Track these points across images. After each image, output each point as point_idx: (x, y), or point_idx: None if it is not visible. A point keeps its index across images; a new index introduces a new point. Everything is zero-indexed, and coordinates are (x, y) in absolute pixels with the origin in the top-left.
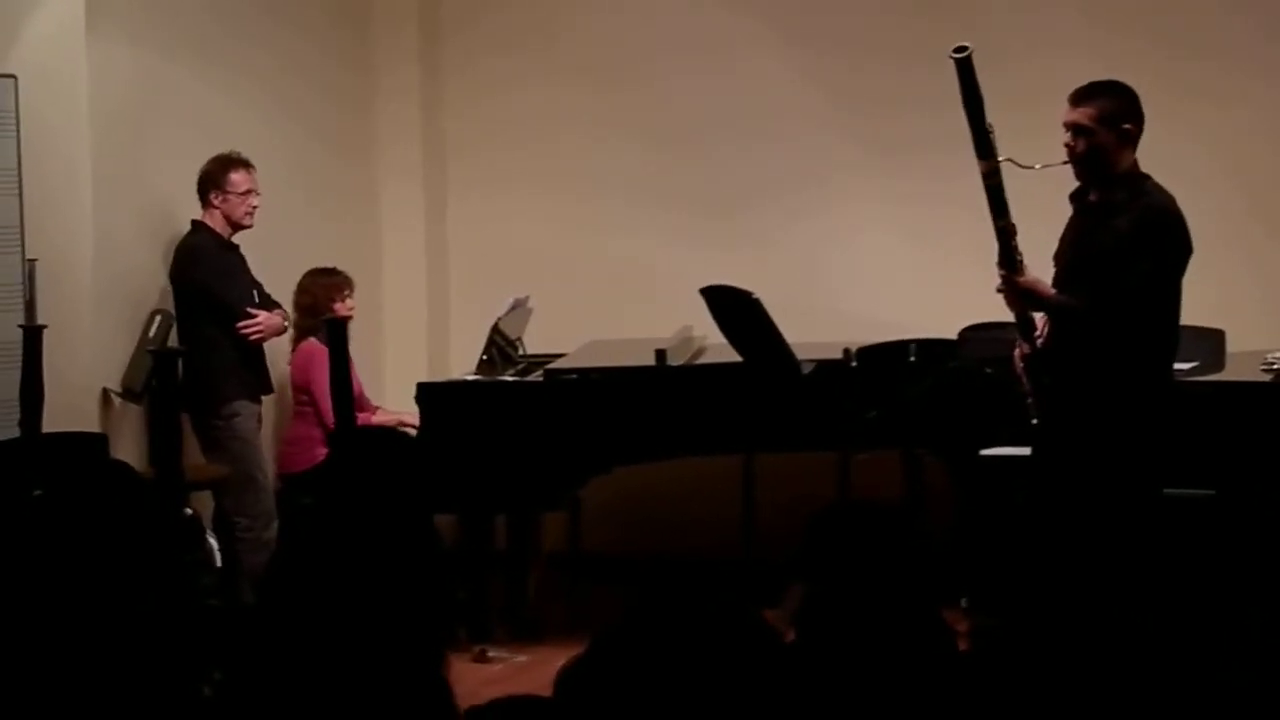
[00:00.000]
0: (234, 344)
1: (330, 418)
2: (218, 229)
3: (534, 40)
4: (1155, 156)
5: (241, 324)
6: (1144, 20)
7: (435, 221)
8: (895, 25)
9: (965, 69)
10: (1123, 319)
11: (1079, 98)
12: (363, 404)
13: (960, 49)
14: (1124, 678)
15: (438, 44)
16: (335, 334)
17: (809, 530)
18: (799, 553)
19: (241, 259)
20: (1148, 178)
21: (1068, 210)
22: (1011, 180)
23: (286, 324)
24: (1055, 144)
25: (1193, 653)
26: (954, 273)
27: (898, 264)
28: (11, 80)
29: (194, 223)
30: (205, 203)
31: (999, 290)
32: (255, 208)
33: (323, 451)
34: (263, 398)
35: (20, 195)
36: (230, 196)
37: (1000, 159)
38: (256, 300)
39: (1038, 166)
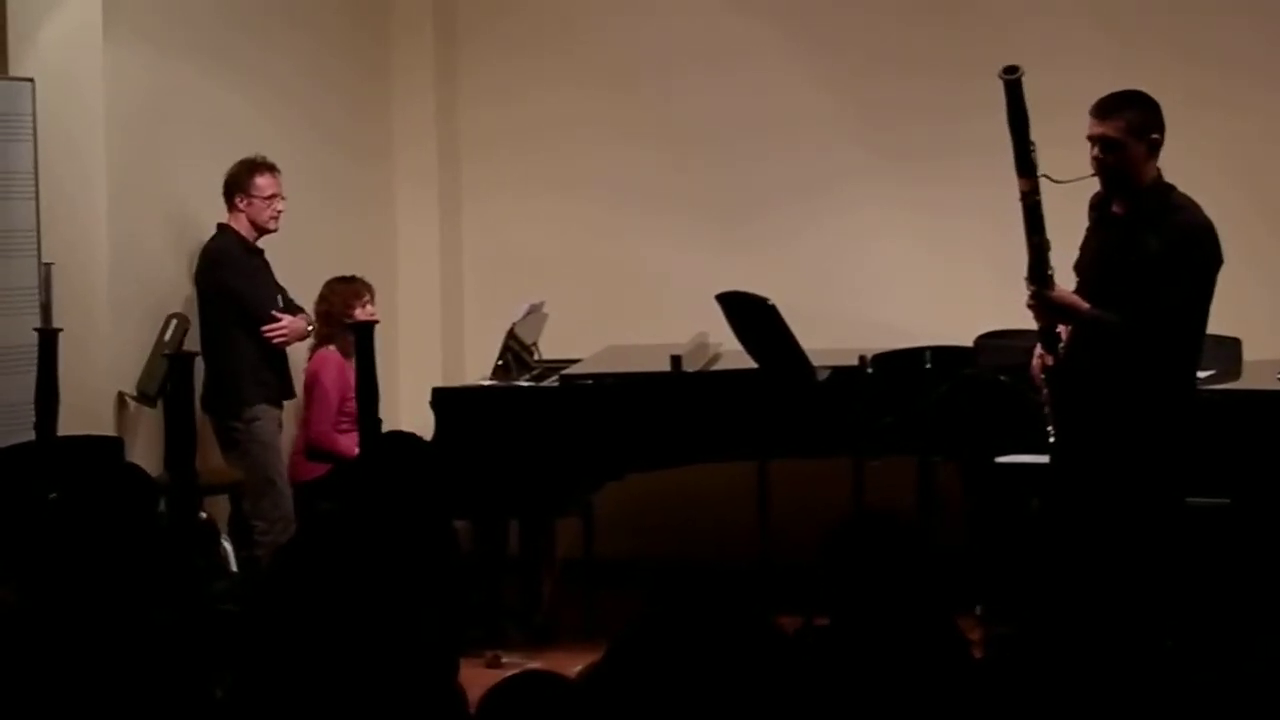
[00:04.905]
0: (257, 347)
1: (316, 428)
2: (243, 232)
3: (549, 44)
4: (1169, 166)
5: (266, 327)
6: (1157, 31)
7: (450, 225)
8: (911, 33)
9: (1014, 89)
10: (1158, 335)
11: (1106, 111)
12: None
13: (1011, 69)
14: (1137, 685)
15: (453, 47)
16: (362, 338)
17: (828, 543)
18: (823, 563)
19: (266, 263)
20: (1173, 188)
21: (1082, 218)
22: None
23: (310, 328)
24: (1070, 155)
25: (1207, 660)
26: (969, 280)
27: (913, 271)
28: (28, 84)
29: (219, 226)
30: (230, 206)
31: (1029, 305)
32: (280, 212)
33: (314, 466)
34: (284, 402)
35: (37, 199)
36: (255, 200)
37: (1039, 174)
38: (281, 304)
39: (1075, 180)
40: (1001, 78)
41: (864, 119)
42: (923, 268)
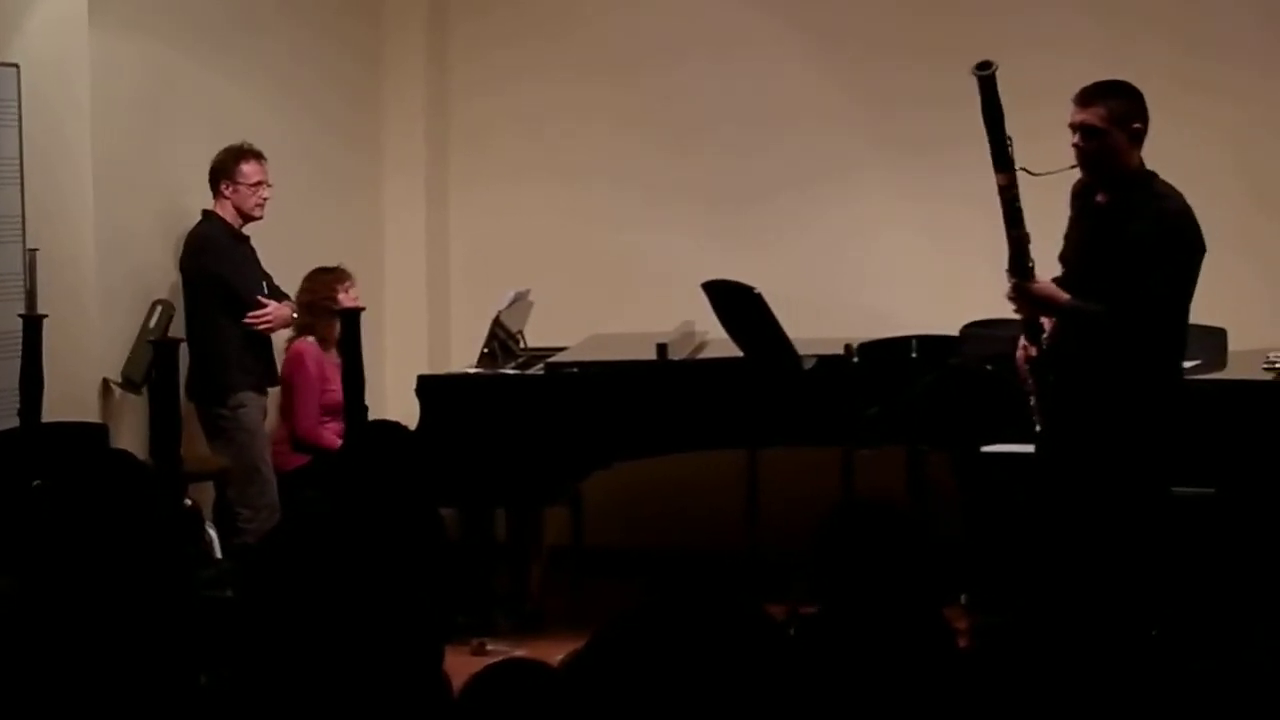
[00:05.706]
0: (242, 334)
1: (302, 423)
2: (228, 219)
3: (542, 33)
4: (1162, 153)
5: (251, 314)
6: (1151, 18)
7: (437, 213)
8: (907, 23)
9: (988, 85)
10: (1140, 323)
11: (1087, 99)
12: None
13: (984, 65)
14: (1123, 675)
15: (445, 35)
16: (348, 325)
17: (822, 530)
18: (813, 552)
19: (252, 250)
20: (1155, 176)
21: (1064, 209)
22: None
23: (295, 315)
24: (1061, 144)
25: (1193, 649)
26: (972, 269)
27: (909, 260)
28: (14, 69)
29: (205, 212)
30: (216, 193)
31: (1009, 297)
32: (265, 199)
33: (297, 456)
34: (269, 389)
35: (22, 185)
36: (241, 187)
37: (1016, 168)
38: (266, 291)
39: (1053, 172)
40: (974, 74)
41: (859, 109)
42: (924, 258)
